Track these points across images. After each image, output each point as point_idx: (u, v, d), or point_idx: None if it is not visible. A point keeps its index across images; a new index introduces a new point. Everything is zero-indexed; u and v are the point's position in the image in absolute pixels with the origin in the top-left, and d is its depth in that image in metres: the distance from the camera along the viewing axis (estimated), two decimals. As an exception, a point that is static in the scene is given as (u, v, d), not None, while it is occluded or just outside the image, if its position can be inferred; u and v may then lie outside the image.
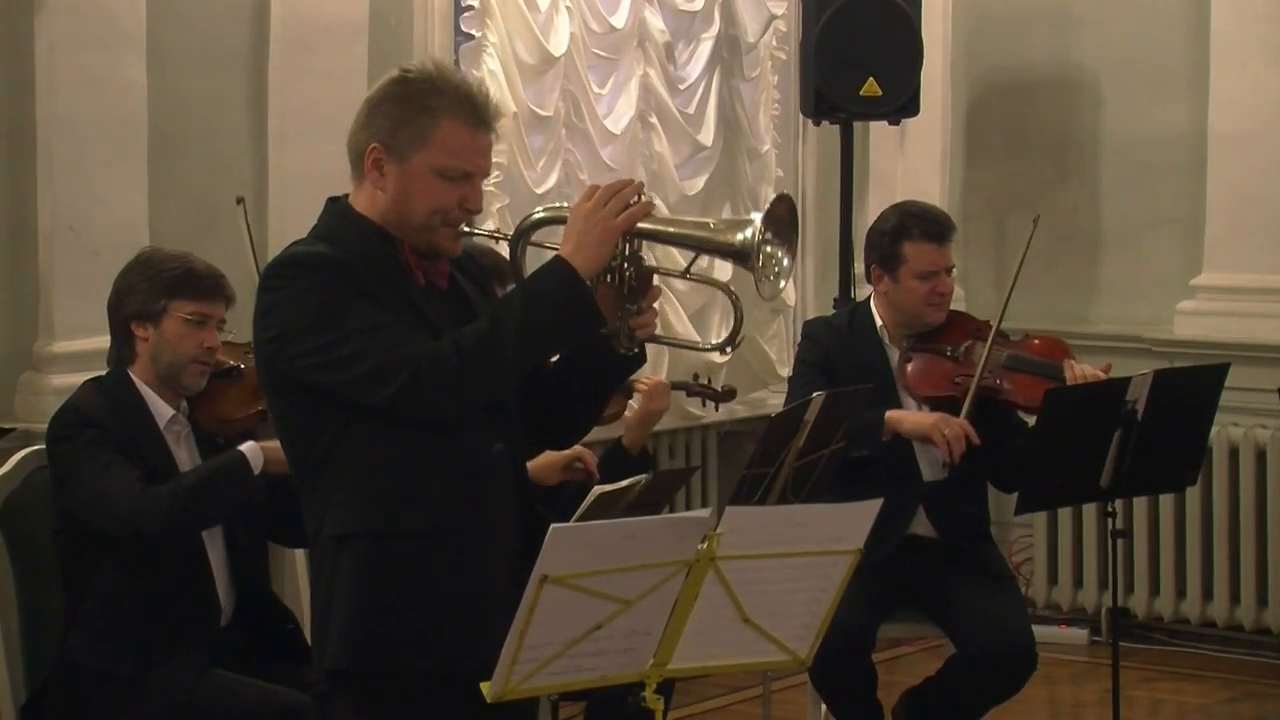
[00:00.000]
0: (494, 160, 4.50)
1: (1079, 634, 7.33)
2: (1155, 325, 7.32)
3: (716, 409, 6.01)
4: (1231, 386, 5.30)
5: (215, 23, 5.70)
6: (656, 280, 3.47)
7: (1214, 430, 6.22)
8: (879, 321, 5.29)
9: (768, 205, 3.38)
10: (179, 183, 5.58)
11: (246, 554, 4.44)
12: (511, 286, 3.59)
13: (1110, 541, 5.33)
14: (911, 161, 7.70)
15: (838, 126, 7.04)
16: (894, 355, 5.26)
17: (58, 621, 4.32)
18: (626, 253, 3.39)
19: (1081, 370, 5.14)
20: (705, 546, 3.10)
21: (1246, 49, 7.11)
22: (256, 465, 4.21)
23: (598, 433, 4.03)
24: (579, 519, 4.32)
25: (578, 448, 4.74)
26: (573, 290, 3.30)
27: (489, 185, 5.92)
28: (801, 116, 7.36)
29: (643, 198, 3.37)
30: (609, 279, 3.40)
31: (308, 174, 5.71)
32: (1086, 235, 7.67)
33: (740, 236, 3.32)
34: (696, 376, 5.56)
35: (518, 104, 6.33)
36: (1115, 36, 7.55)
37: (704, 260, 3.54)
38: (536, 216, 3.54)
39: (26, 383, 5.25)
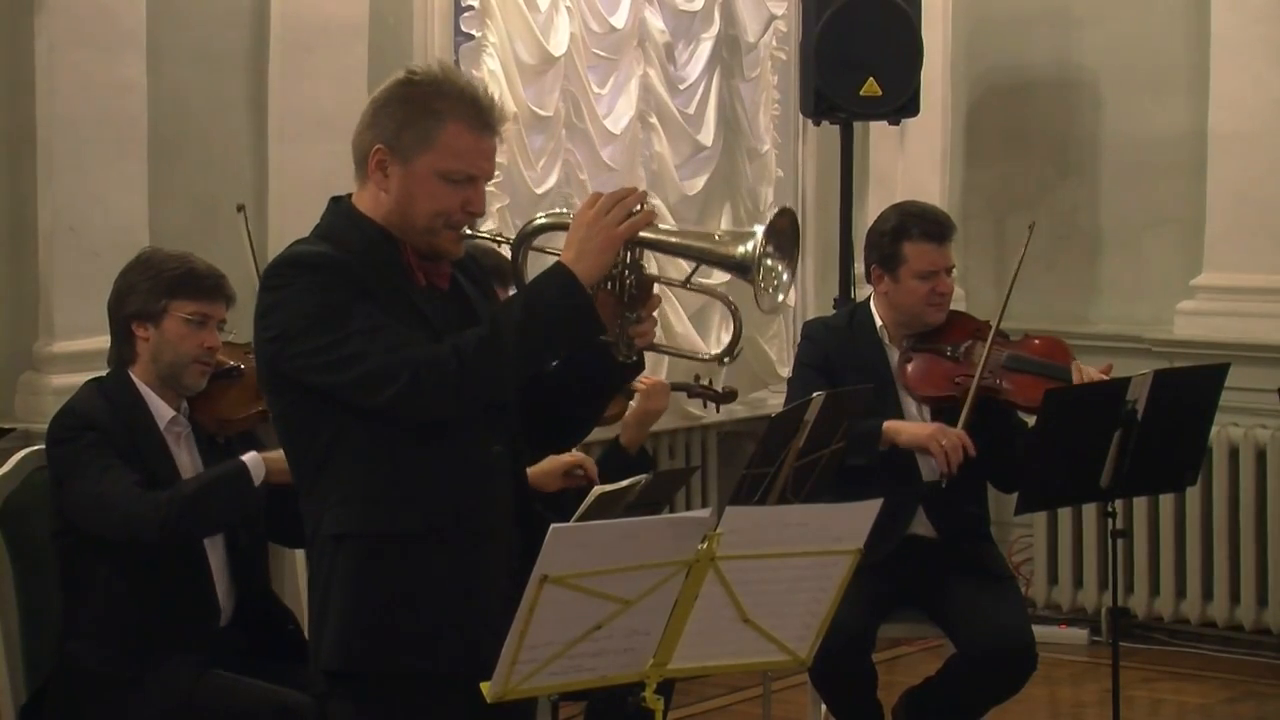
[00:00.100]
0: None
1: (1079, 634, 7.33)
2: (1155, 325, 7.32)
3: (718, 410, 6.01)
4: (1231, 386, 5.30)
5: (215, 23, 5.70)
6: (657, 289, 3.47)
7: (1214, 430, 6.22)
8: (879, 322, 5.29)
9: (770, 218, 3.38)
10: (179, 183, 5.58)
11: (247, 554, 4.43)
12: (512, 287, 3.60)
13: (1110, 541, 5.33)
14: (911, 161, 7.70)
15: (838, 126, 7.04)
16: (894, 355, 5.26)
17: (57, 622, 4.32)
18: (628, 261, 3.39)
19: (1088, 372, 5.14)
20: (705, 546, 3.10)
21: (1246, 49, 7.11)
22: (258, 476, 4.21)
23: (597, 432, 4.03)
24: (579, 519, 4.32)
25: (578, 455, 4.75)
26: (573, 297, 3.30)
27: (489, 185, 5.91)
28: (801, 116, 7.36)
29: (645, 206, 3.37)
30: (610, 286, 3.40)
31: (308, 174, 5.72)
32: (1086, 235, 7.67)
33: (741, 249, 3.32)
34: (698, 378, 5.56)
35: (518, 104, 6.33)
36: (1115, 36, 7.55)
37: (705, 268, 3.53)
38: (538, 222, 3.54)
39: (26, 383, 5.25)
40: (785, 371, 6.91)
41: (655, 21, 6.95)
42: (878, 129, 7.57)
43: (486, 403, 3.40)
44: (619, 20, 6.78)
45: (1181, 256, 7.37)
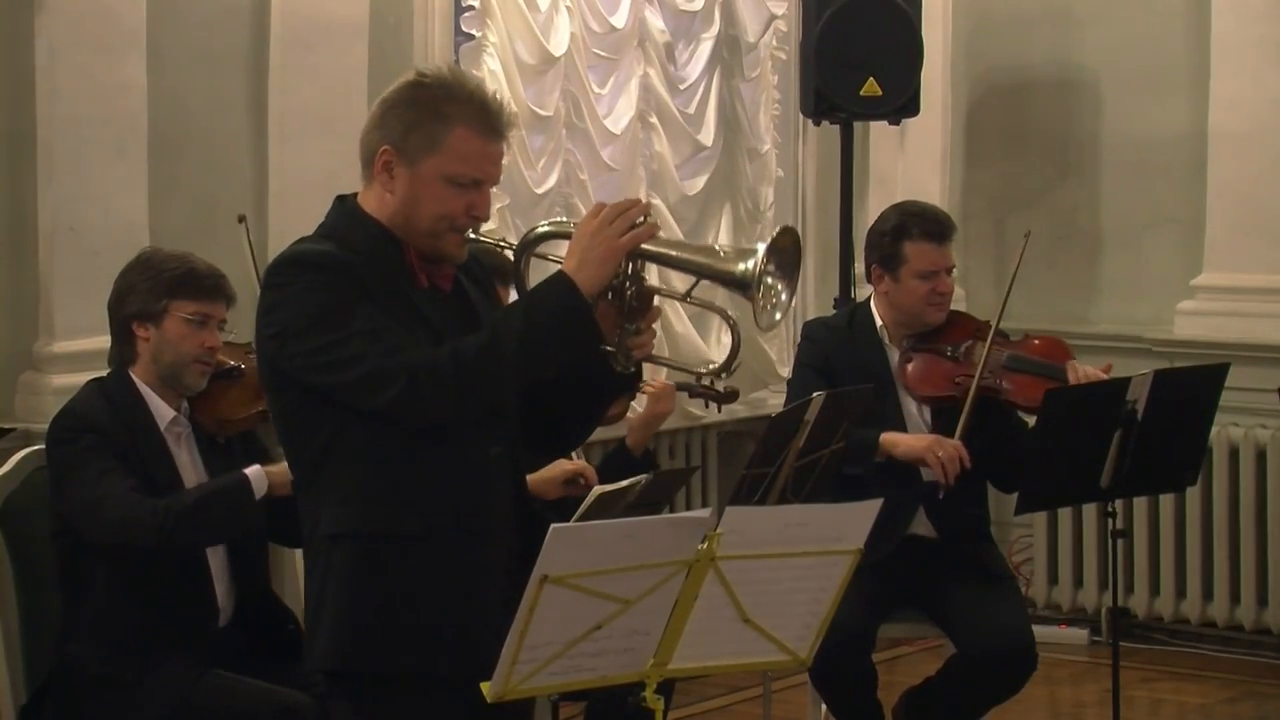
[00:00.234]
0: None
1: (1079, 634, 7.32)
2: (1155, 325, 7.32)
3: (719, 410, 6.01)
4: (1231, 386, 5.30)
5: (215, 23, 5.70)
6: (657, 301, 3.47)
7: (1214, 430, 6.21)
8: (879, 321, 5.29)
9: (772, 236, 3.37)
10: (179, 183, 5.58)
11: (247, 554, 4.43)
12: (513, 286, 3.60)
13: (1110, 541, 5.33)
14: (911, 161, 7.70)
15: (838, 126, 7.04)
16: (894, 355, 5.26)
17: (57, 622, 4.32)
18: (629, 272, 3.39)
19: (1084, 371, 5.14)
20: (705, 546, 3.10)
21: (1246, 49, 7.11)
22: (260, 489, 4.20)
23: (601, 433, 4.04)
24: (579, 519, 4.32)
25: (579, 463, 4.75)
26: (573, 306, 3.30)
27: (489, 186, 5.91)
28: (801, 116, 7.36)
29: (649, 219, 3.37)
30: (610, 297, 3.40)
31: (308, 174, 5.72)
32: (1086, 235, 7.67)
33: (742, 266, 3.31)
34: (699, 378, 5.55)
35: (518, 104, 6.32)
36: (1115, 36, 7.55)
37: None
38: (541, 230, 3.54)
39: (26, 383, 5.25)
40: (785, 372, 6.91)
41: (655, 21, 6.95)
42: (878, 129, 7.57)
43: (484, 409, 3.39)
44: (619, 20, 6.78)
45: (1181, 256, 7.37)
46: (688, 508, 6.75)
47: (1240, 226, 7.14)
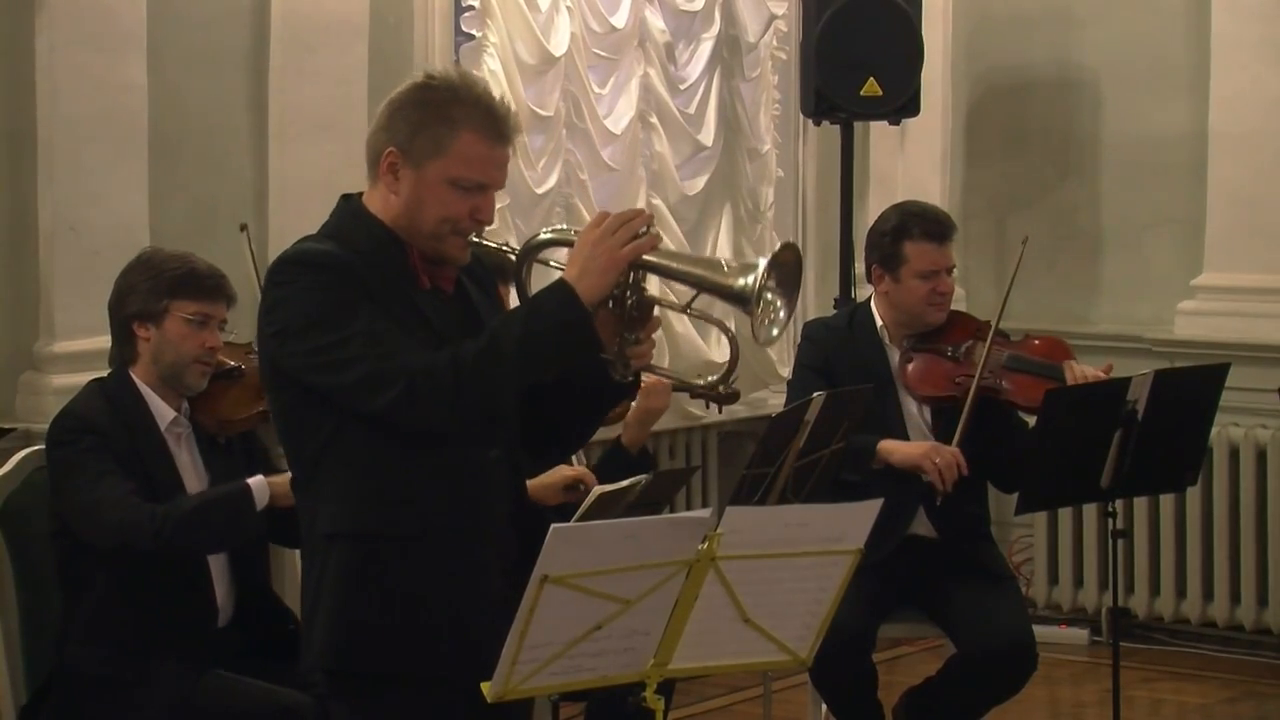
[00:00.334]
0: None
1: (1079, 634, 7.33)
2: (1155, 325, 7.32)
3: (719, 410, 6.00)
4: (1232, 386, 5.30)
5: (215, 23, 5.70)
6: (657, 312, 3.47)
7: (1214, 430, 6.21)
8: (879, 322, 5.29)
9: (774, 252, 3.37)
10: (179, 183, 5.58)
11: (246, 554, 4.43)
12: (514, 285, 3.60)
13: (1110, 541, 5.33)
14: (912, 161, 7.70)
15: (838, 126, 7.04)
16: (894, 355, 5.27)
17: (57, 622, 4.32)
18: (630, 282, 3.39)
19: (1082, 371, 5.14)
20: (705, 546, 3.10)
21: (1246, 49, 7.11)
22: (261, 500, 4.20)
23: (600, 432, 4.03)
24: (579, 519, 4.32)
25: (580, 469, 4.74)
26: (573, 315, 3.30)
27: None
28: (802, 116, 7.36)
29: (651, 229, 3.37)
30: (610, 305, 3.40)
31: (308, 174, 5.72)
32: (1086, 235, 7.67)
33: (742, 282, 3.30)
34: (699, 378, 5.55)
35: (518, 104, 6.32)
36: (1115, 36, 7.55)
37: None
38: (543, 237, 3.54)
39: (27, 383, 5.25)
40: (785, 371, 6.90)
41: (656, 21, 6.95)
42: (878, 129, 7.57)
43: (482, 415, 3.39)
44: (619, 20, 6.78)
45: (1181, 256, 7.37)
46: (688, 508, 6.75)
47: (1240, 226, 7.14)
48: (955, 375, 5.20)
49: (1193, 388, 5.25)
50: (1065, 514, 7.41)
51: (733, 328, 3.65)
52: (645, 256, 3.35)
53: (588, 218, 6.61)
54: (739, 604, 3.18)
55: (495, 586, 3.42)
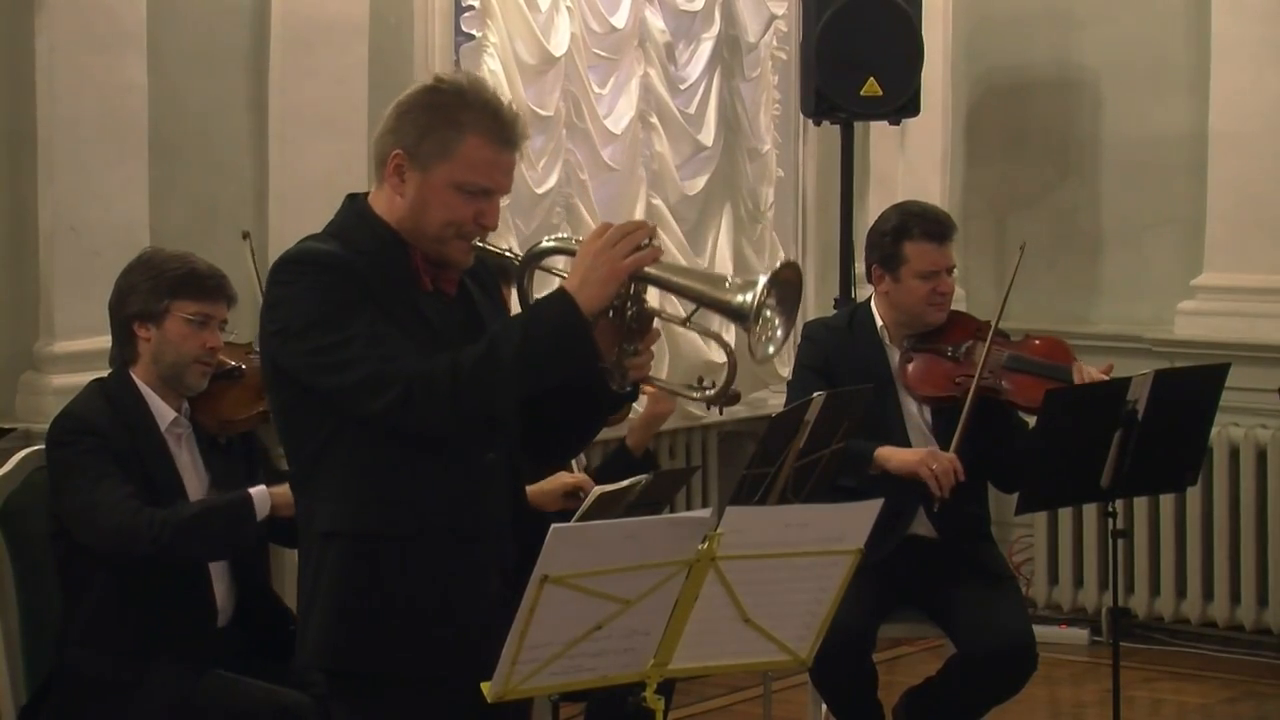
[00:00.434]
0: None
1: (1079, 634, 7.33)
2: (1156, 325, 7.33)
3: (720, 412, 6.00)
4: (1232, 386, 5.30)
5: (215, 23, 5.70)
6: (656, 324, 3.47)
7: (1214, 430, 6.21)
8: (879, 322, 5.29)
9: (774, 269, 3.37)
10: (179, 183, 5.58)
11: (246, 554, 4.43)
12: (515, 286, 3.61)
13: (1110, 541, 5.33)
14: (912, 161, 7.70)
15: (838, 126, 7.04)
16: (894, 356, 5.26)
17: (57, 622, 4.32)
18: (631, 293, 3.40)
19: (1089, 372, 5.14)
20: (705, 546, 3.10)
21: (1246, 49, 7.11)
22: (262, 510, 4.20)
23: (602, 433, 4.03)
24: (579, 519, 4.32)
25: (580, 476, 4.74)
26: (572, 324, 3.30)
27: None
28: (802, 116, 7.36)
29: (653, 242, 3.37)
30: (610, 316, 3.40)
31: (308, 174, 5.73)
32: (1086, 235, 7.67)
33: (741, 298, 3.30)
34: (700, 380, 5.54)
35: (518, 104, 6.32)
36: (1115, 36, 7.55)
37: None
38: (546, 245, 3.54)
39: (27, 383, 5.25)
40: (785, 372, 6.90)
41: (656, 21, 6.95)
42: (878, 129, 7.57)
43: (479, 421, 3.39)
44: (619, 20, 6.78)
45: (1182, 256, 7.37)
46: (688, 508, 6.75)
47: (1240, 226, 7.14)
48: (955, 375, 5.20)
49: (1193, 388, 5.25)
50: (1065, 514, 7.41)
51: (731, 341, 3.64)
52: (646, 269, 3.35)
53: (588, 218, 6.64)
54: (739, 604, 3.18)
55: (492, 588, 3.43)
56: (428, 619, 3.41)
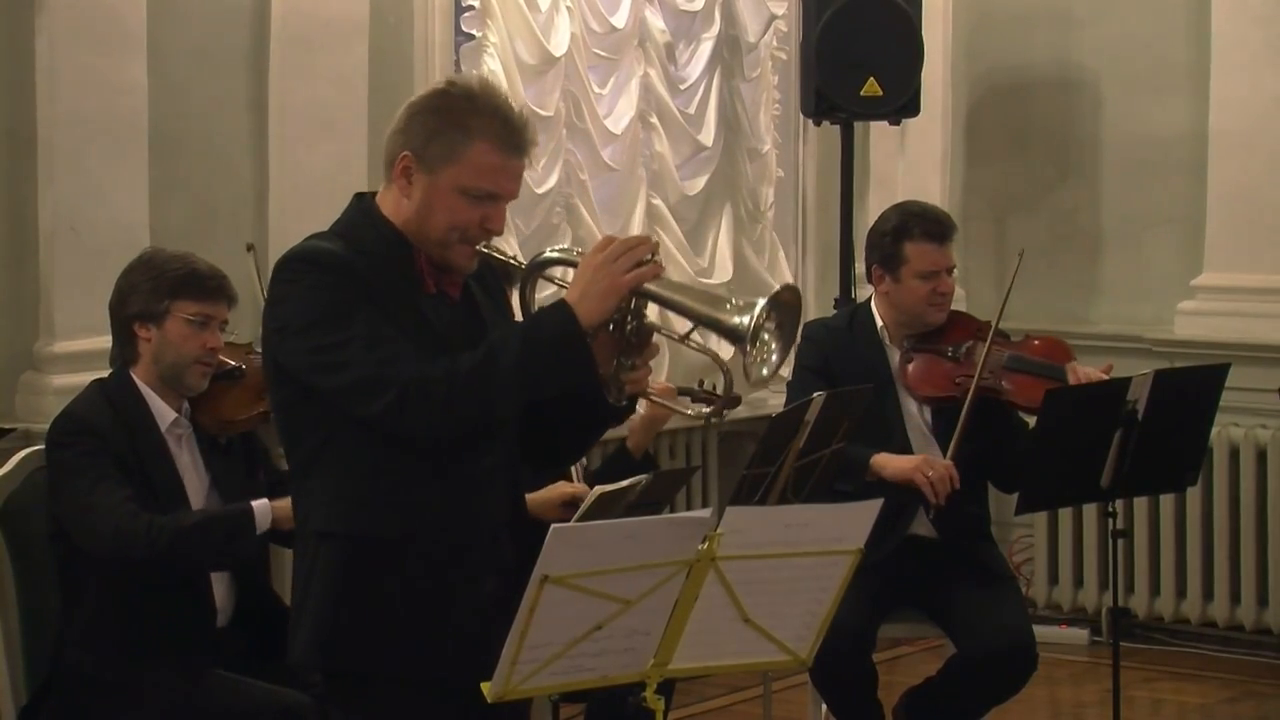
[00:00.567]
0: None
1: (1079, 634, 7.33)
2: (1155, 325, 7.33)
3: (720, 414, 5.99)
4: (1232, 386, 5.30)
5: (215, 23, 5.70)
6: (655, 339, 3.47)
7: (1214, 430, 6.21)
8: (879, 322, 5.29)
9: (775, 291, 3.37)
10: (179, 183, 5.58)
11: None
12: (518, 287, 3.61)
13: (1110, 541, 5.33)
14: (912, 161, 7.70)
15: (838, 126, 7.04)
16: (894, 356, 5.26)
17: (57, 622, 4.31)
18: (631, 308, 3.40)
19: (1084, 373, 5.14)
20: (705, 546, 3.10)
21: (1246, 49, 7.11)
22: (263, 524, 4.20)
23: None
24: (579, 519, 4.32)
25: (579, 486, 4.74)
26: (570, 336, 3.31)
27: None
28: (802, 116, 7.36)
29: (655, 258, 3.37)
30: (610, 329, 3.41)
31: (308, 174, 5.73)
32: (1086, 235, 7.67)
33: (739, 320, 3.31)
34: (702, 383, 5.55)
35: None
36: (1115, 36, 7.55)
37: None
38: (548, 255, 3.55)
39: (27, 383, 5.25)
40: (785, 372, 6.90)
41: (656, 21, 6.95)
42: (878, 129, 7.57)
43: (473, 428, 3.39)
44: (619, 20, 6.78)
45: (1181, 256, 7.37)
46: (688, 508, 6.75)
47: (1240, 226, 7.14)
48: (955, 375, 5.20)
49: (1193, 388, 5.25)
50: (1065, 514, 7.41)
51: (726, 361, 3.64)
52: (647, 285, 3.35)
53: (588, 218, 6.64)
54: (739, 604, 3.19)
55: (485, 592, 3.43)
56: (418, 620, 3.42)
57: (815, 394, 4.75)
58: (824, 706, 5.26)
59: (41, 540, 4.32)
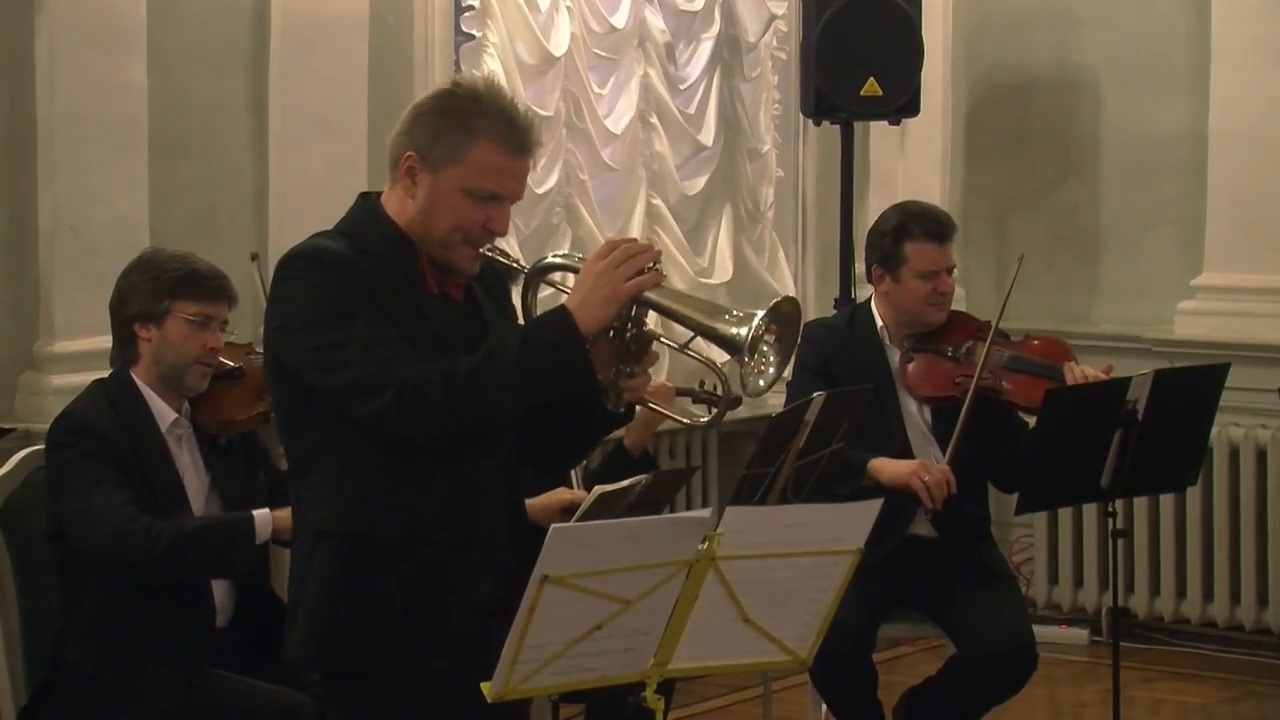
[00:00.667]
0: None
1: (1079, 634, 7.33)
2: (1155, 325, 7.33)
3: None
4: (1232, 386, 5.30)
5: (215, 23, 5.70)
6: (655, 347, 3.47)
7: (1214, 430, 6.21)
8: (879, 322, 5.29)
9: (774, 302, 3.37)
10: (179, 183, 5.58)
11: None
12: (519, 287, 3.61)
13: (1110, 541, 5.33)
14: (912, 161, 7.70)
15: (838, 126, 7.04)
16: (894, 356, 5.26)
17: (57, 622, 4.31)
18: (631, 315, 3.40)
19: (1082, 372, 5.14)
20: (705, 546, 3.10)
21: (1246, 49, 7.11)
22: (263, 533, 4.20)
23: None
24: (579, 519, 4.32)
25: (579, 492, 4.74)
26: (570, 342, 3.31)
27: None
28: (802, 116, 7.36)
29: (656, 266, 3.37)
30: (610, 336, 3.41)
31: (308, 174, 5.73)
32: (1086, 235, 7.68)
33: (737, 330, 3.30)
34: (702, 384, 5.54)
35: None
36: (1115, 36, 7.55)
37: None
38: (550, 260, 3.56)
39: (27, 383, 5.25)
40: (786, 372, 6.90)
41: (656, 21, 6.95)
42: (878, 129, 7.57)
43: (469, 432, 3.39)
44: (619, 20, 6.78)
45: (1181, 256, 7.37)
46: (688, 508, 6.75)
47: (1240, 226, 7.14)
48: (955, 375, 5.20)
49: (1193, 388, 5.25)
50: (1065, 514, 7.41)
51: (724, 370, 3.64)
52: (648, 293, 3.35)
53: (588, 218, 6.64)
54: (739, 604, 3.18)
55: (482, 592, 3.43)
56: (413, 620, 3.42)
57: (815, 394, 4.75)
58: (824, 706, 5.26)
59: (41, 540, 4.32)
